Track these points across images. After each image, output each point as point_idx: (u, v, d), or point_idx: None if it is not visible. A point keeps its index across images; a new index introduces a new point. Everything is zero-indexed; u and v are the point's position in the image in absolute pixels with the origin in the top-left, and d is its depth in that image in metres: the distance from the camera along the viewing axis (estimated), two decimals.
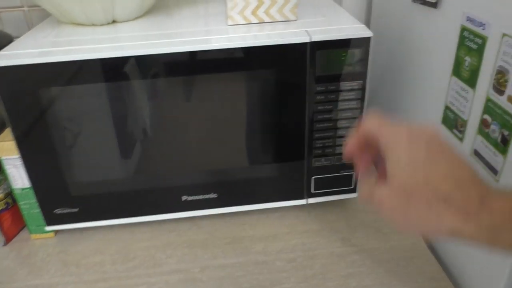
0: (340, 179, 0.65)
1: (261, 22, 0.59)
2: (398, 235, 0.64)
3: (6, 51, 0.55)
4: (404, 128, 0.33)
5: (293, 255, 0.62)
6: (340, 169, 0.64)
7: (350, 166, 0.64)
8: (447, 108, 0.58)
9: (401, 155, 0.31)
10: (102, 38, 0.57)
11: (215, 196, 0.65)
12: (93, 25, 0.63)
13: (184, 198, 0.64)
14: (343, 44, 0.55)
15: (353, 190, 0.67)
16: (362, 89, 0.58)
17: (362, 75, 0.57)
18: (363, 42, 0.55)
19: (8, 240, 0.65)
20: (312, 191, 0.66)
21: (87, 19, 0.61)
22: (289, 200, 0.66)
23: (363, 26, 0.57)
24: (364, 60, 0.56)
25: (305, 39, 0.54)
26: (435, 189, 0.30)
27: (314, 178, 0.65)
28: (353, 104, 0.59)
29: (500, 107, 0.46)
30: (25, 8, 0.83)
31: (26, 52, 0.54)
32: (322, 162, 0.63)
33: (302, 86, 0.57)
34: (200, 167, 0.63)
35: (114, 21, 0.64)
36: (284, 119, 0.60)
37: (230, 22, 0.59)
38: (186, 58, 0.54)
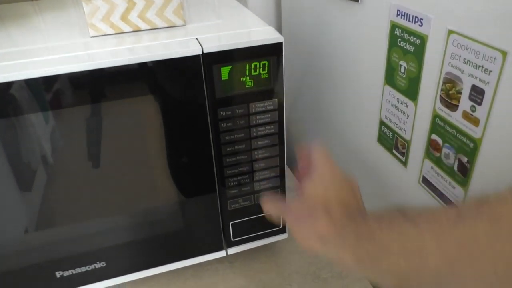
0: (265, 219, 0.52)
1: (137, 30, 0.44)
2: (341, 280, 0.53)
3: None
4: (337, 168, 0.36)
5: None
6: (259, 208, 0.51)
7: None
8: (382, 123, 0.47)
9: (323, 178, 0.35)
10: None
11: (103, 266, 0.48)
12: None
13: (58, 274, 0.47)
14: (247, 54, 0.42)
15: (283, 230, 0.54)
16: (279, 108, 0.46)
17: (276, 92, 0.45)
18: (274, 49, 0.42)
19: None
20: (232, 238, 0.52)
21: None
22: (205, 254, 0.52)
23: (271, 28, 0.44)
24: (276, 72, 0.44)
25: (195, 50, 0.40)
26: (328, 205, 0.33)
27: (232, 224, 0.51)
28: (270, 129, 0.46)
29: (453, 126, 0.36)
30: None
31: None
32: (240, 203, 0.50)
33: (201, 112, 0.43)
34: (76, 230, 0.46)
35: None
36: (184, 157, 0.46)
37: (92, 33, 0.43)
38: (33, 88, 0.38)
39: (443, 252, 0.24)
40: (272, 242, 0.57)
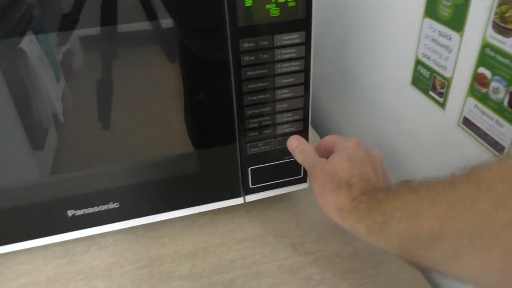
0: (285, 167, 0.49)
1: None
2: None
3: None
4: (356, 140, 0.41)
5: (231, 276, 0.46)
6: (285, 154, 0.48)
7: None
8: (419, 63, 0.43)
9: (345, 150, 0.40)
10: None
11: (116, 206, 0.47)
12: None
13: (70, 213, 0.45)
14: None
15: (303, 179, 0.51)
16: (306, 43, 0.42)
17: (305, 23, 0.41)
18: None
19: None
20: (250, 185, 0.49)
21: None
22: (222, 200, 0.50)
23: None
24: (306, 0, 0.40)
25: None
26: (351, 181, 0.36)
27: (252, 169, 0.48)
28: (295, 66, 0.43)
29: (506, 55, 0.32)
30: None
31: None
32: (260, 147, 0.47)
33: (222, 43, 0.40)
34: (89, 169, 0.44)
35: None
36: (202, 94, 0.43)
37: None
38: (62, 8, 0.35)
39: (436, 213, 0.27)
40: (291, 193, 0.55)
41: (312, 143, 0.51)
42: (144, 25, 0.38)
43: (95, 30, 0.37)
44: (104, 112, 0.41)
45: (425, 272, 0.47)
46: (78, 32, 0.37)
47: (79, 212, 0.46)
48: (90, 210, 0.46)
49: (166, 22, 0.38)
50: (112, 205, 0.46)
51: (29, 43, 0.37)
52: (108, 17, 0.37)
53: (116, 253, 0.49)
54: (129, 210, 0.47)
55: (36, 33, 0.36)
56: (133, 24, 0.38)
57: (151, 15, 0.38)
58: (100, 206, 0.46)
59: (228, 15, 0.38)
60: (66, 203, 0.45)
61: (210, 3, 0.38)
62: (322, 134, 0.71)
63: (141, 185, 0.46)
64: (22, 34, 0.36)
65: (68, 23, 0.36)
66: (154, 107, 0.43)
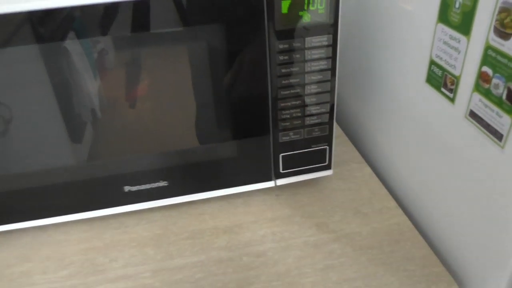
0: (312, 154, 0.56)
1: None
2: (380, 215, 0.56)
3: None
4: None
5: (263, 248, 0.52)
6: (312, 143, 0.55)
7: (323, 139, 0.55)
8: (432, 63, 0.49)
9: None
10: None
11: (165, 185, 0.54)
12: None
13: (127, 188, 0.53)
14: None
15: (328, 167, 0.58)
16: (333, 45, 0.48)
17: (332, 28, 0.47)
18: None
19: None
20: (281, 170, 0.56)
21: None
22: (255, 183, 0.56)
23: None
24: (333, 8, 0.46)
25: None
26: None
27: (283, 156, 0.55)
28: (323, 65, 0.49)
29: (504, 55, 0.37)
30: None
31: None
32: (291, 136, 0.54)
33: (261, 44, 0.47)
34: (144, 150, 0.52)
35: None
36: (242, 87, 0.50)
37: None
38: (120, 12, 0.42)
39: None
40: (317, 179, 0.61)
41: (337, 137, 0.57)
42: (177, 27, 0.45)
43: (129, 32, 0.44)
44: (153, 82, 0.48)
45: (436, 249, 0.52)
46: (112, 33, 0.44)
47: (134, 188, 0.53)
48: (143, 186, 0.53)
49: (210, 27, 0.45)
50: (161, 183, 0.54)
51: (71, 42, 0.44)
52: (140, 20, 0.44)
53: (162, 226, 0.56)
54: (176, 189, 0.55)
55: (77, 33, 0.43)
56: (167, 26, 0.45)
57: (186, 18, 0.45)
58: (152, 184, 0.53)
59: (267, 20, 0.45)
60: (123, 180, 0.53)
61: (252, 10, 0.45)
62: (345, 129, 0.77)
63: (185, 167, 0.54)
64: (65, 34, 0.43)
65: (104, 24, 0.44)
66: (195, 100, 0.50)
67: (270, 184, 0.57)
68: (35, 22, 0.41)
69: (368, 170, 0.64)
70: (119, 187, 0.53)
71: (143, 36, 0.44)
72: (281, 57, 0.48)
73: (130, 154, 0.52)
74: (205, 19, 0.45)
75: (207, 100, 0.50)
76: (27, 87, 0.44)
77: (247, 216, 0.57)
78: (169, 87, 0.48)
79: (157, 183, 0.54)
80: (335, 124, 0.55)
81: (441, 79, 0.47)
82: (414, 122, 0.55)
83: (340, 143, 0.70)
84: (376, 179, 0.62)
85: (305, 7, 0.45)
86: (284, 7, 0.45)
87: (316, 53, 0.48)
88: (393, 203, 0.58)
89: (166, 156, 0.53)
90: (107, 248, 0.53)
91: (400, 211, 0.57)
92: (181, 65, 0.47)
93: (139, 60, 0.46)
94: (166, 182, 0.54)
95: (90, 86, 0.46)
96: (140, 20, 0.43)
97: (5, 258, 0.53)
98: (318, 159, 0.56)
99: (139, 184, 0.53)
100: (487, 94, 0.40)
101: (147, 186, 0.53)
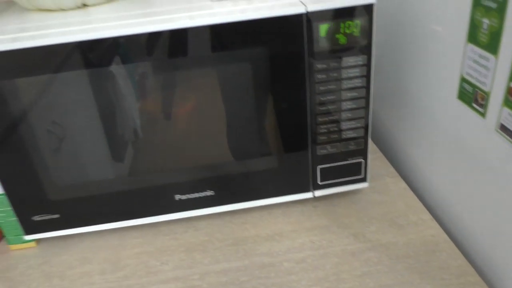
0: (348, 167, 0.59)
1: None
2: (416, 227, 0.58)
3: None
4: None
5: (302, 255, 0.55)
6: (348, 156, 0.58)
7: (359, 153, 0.58)
8: (463, 80, 0.52)
9: None
10: (73, 22, 0.51)
11: (212, 194, 0.59)
12: (61, 10, 0.57)
13: (177, 197, 0.58)
14: (343, 14, 0.49)
15: (364, 179, 0.61)
16: (367, 64, 0.52)
17: (366, 49, 0.51)
18: (366, 10, 0.49)
19: None
20: (319, 182, 0.60)
21: (53, 2, 0.55)
22: (294, 194, 0.60)
23: None
24: (367, 31, 0.50)
25: (299, 9, 0.48)
26: None
27: (321, 168, 0.59)
28: (358, 83, 0.53)
29: None
30: None
31: (9, 37, 0.48)
32: (328, 149, 0.57)
33: (300, 64, 0.51)
34: (193, 163, 0.57)
35: (84, 5, 0.58)
36: (282, 104, 0.54)
37: None
38: (167, 39, 0.48)
39: None
40: (352, 193, 0.64)
41: (371, 152, 0.60)
42: (221, 50, 0.50)
43: (167, 57, 0.49)
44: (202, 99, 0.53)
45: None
46: (153, 57, 0.49)
47: (184, 197, 0.58)
48: (192, 195, 0.58)
49: (250, 48, 0.50)
50: (208, 193, 0.58)
51: (116, 66, 0.50)
52: (178, 47, 0.49)
53: (208, 234, 0.60)
54: (221, 198, 0.59)
55: (122, 57, 0.49)
56: (210, 50, 0.50)
57: (230, 42, 0.50)
58: (200, 193, 0.58)
59: (307, 43, 0.50)
60: (174, 188, 0.58)
61: (293, 33, 0.49)
62: (379, 145, 0.80)
63: (229, 178, 0.58)
64: (111, 58, 0.49)
65: (145, 49, 0.49)
66: (237, 118, 0.54)
67: (308, 195, 0.61)
68: (84, 50, 0.48)
69: (402, 184, 0.66)
70: (170, 195, 0.58)
71: (184, 60, 0.50)
72: (319, 76, 0.52)
73: (179, 166, 0.57)
74: (248, 43, 0.50)
75: (249, 117, 0.55)
76: (77, 109, 0.51)
77: (286, 226, 0.61)
78: (212, 106, 0.53)
79: (204, 193, 0.58)
80: (370, 143, 0.58)
81: (472, 95, 0.50)
82: (446, 137, 0.57)
83: (374, 159, 0.73)
84: (411, 193, 0.64)
85: (342, 31, 0.50)
86: (322, 30, 0.50)
87: (351, 72, 0.52)
88: (428, 215, 0.60)
89: (212, 168, 0.57)
90: (158, 252, 0.58)
91: (435, 223, 0.58)
92: (224, 85, 0.52)
93: (182, 81, 0.51)
94: (212, 191, 0.58)
95: (133, 107, 0.52)
96: (183, 45, 0.49)
97: (67, 260, 0.58)
98: (354, 172, 0.60)
99: (189, 193, 0.58)
100: None
101: (196, 195, 0.58)
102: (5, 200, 0.55)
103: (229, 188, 0.59)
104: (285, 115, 0.55)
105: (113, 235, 0.62)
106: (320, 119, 0.55)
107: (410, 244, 0.56)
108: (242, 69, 0.52)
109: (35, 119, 0.50)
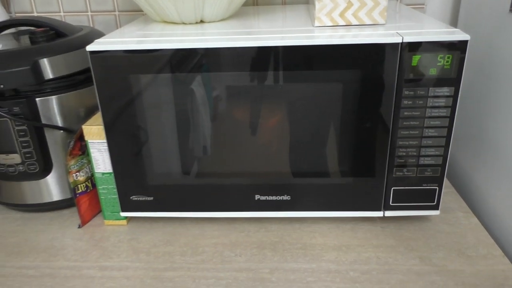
0: (422, 193, 0.61)
1: (348, 25, 0.59)
2: (485, 260, 0.59)
3: (101, 39, 0.58)
4: None
5: (368, 268, 0.58)
6: (423, 182, 0.61)
7: (434, 180, 0.60)
8: None
9: None
10: (192, 33, 0.60)
11: (288, 199, 0.63)
12: (183, 23, 0.66)
13: (257, 197, 0.63)
14: (437, 47, 0.53)
15: (436, 207, 0.63)
16: (454, 96, 0.56)
17: (454, 82, 0.55)
18: (459, 46, 0.53)
19: (83, 223, 0.68)
20: (391, 203, 0.62)
21: (179, 16, 0.64)
22: (365, 211, 0.63)
23: (458, 30, 0.55)
24: (458, 65, 0.54)
25: (396, 39, 0.53)
26: None
27: (394, 189, 0.62)
28: (442, 112, 0.56)
29: None
30: (116, 13, 0.89)
31: (120, 40, 0.57)
32: (404, 172, 0.60)
33: (389, 89, 0.56)
34: (275, 168, 0.62)
35: (202, 21, 0.67)
36: (367, 123, 0.58)
37: (317, 24, 0.59)
38: (271, 54, 0.55)
39: None
40: (422, 220, 0.66)
41: (447, 194, 0.61)
42: (314, 69, 0.56)
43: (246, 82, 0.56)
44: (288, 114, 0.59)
45: None
46: (228, 81, 0.56)
47: (263, 198, 0.63)
48: (270, 197, 0.63)
49: (348, 72, 0.55)
50: (285, 197, 0.63)
51: (197, 85, 0.57)
52: (277, 63, 0.55)
53: (279, 236, 0.65)
54: (295, 204, 0.64)
55: (202, 77, 0.56)
56: (302, 69, 0.56)
57: (326, 64, 0.55)
58: (277, 196, 0.63)
59: (398, 70, 0.54)
60: (255, 189, 0.63)
61: (387, 60, 0.54)
62: (454, 183, 0.81)
63: (305, 187, 0.63)
64: (193, 77, 0.56)
65: (224, 71, 0.55)
66: (322, 134, 0.59)
67: (378, 213, 0.63)
68: (200, 55, 0.55)
69: (474, 220, 0.67)
70: (251, 195, 0.63)
71: (282, 75, 0.56)
72: (405, 102, 0.56)
73: (262, 169, 0.62)
74: (343, 65, 0.55)
75: (334, 133, 0.59)
76: (161, 112, 0.58)
77: (353, 240, 0.64)
78: (299, 121, 0.58)
79: (282, 197, 0.63)
80: (447, 184, 0.60)
81: None
82: None
83: (447, 193, 0.74)
84: (483, 228, 0.65)
85: (433, 63, 0.54)
86: (415, 60, 0.54)
87: (437, 102, 0.56)
88: (499, 251, 0.60)
89: (292, 176, 0.62)
90: (233, 245, 0.63)
91: (506, 260, 0.59)
92: (315, 103, 0.58)
93: (277, 95, 0.57)
94: (289, 196, 0.63)
95: (225, 114, 0.58)
96: (283, 62, 0.55)
97: (152, 240, 0.65)
98: (427, 198, 0.62)
99: (268, 195, 0.63)
100: None
101: (274, 197, 0.63)
102: (111, 178, 0.64)
103: (305, 196, 0.63)
104: (367, 134, 0.59)
105: (193, 224, 0.68)
106: (400, 142, 0.58)
107: (478, 274, 0.56)
108: (333, 89, 0.57)
109: (147, 111, 0.59)
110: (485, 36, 0.69)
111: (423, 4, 0.86)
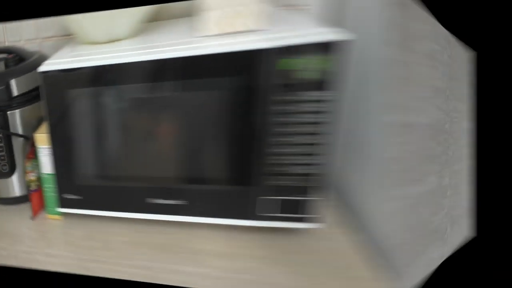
0: (291, 204, 0.61)
1: (234, 32, 0.61)
2: (357, 280, 0.55)
3: (48, 61, 0.73)
4: None
5: (238, 276, 0.60)
6: (294, 192, 0.60)
7: (306, 191, 0.59)
8: None
9: None
10: (106, 51, 0.69)
11: (184, 203, 0.68)
12: (104, 42, 0.76)
13: (148, 200, 0.70)
14: (310, 50, 0.54)
15: (306, 219, 0.62)
16: (327, 101, 0.55)
17: (330, 85, 0.54)
18: (335, 47, 0.53)
19: (34, 215, 0.81)
20: (256, 213, 0.64)
21: (107, 36, 0.74)
22: (238, 219, 0.65)
23: (336, 30, 0.54)
24: (335, 68, 0.53)
25: (267, 44, 0.55)
26: None
27: (259, 199, 0.63)
28: (316, 118, 0.56)
29: None
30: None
31: (56, 61, 0.71)
32: (272, 182, 0.61)
33: (262, 95, 0.57)
34: (167, 174, 0.69)
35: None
36: (239, 131, 0.61)
37: (205, 33, 0.63)
38: (156, 66, 0.62)
39: None
40: (302, 234, 0.65)
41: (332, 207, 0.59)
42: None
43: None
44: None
45: None
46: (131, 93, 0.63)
47: (155, 201, 0.69)
48: (164, 201, 0.69)
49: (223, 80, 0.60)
50: (179, 202, 0.68)
51: (106, 97, 0.62)
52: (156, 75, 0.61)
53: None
54: (192, 210, 0.68)
55: (109, 90, 0.62)
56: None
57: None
58: (172, 200, 0.68)
59: (268, 75, 0.56)
60: (146, 192, 0.69)
61: (252, 66, 0.56)
62: (348, 202, 0.74)
63: (192, 192, 0.67)
64: (103, 90, 0.64)
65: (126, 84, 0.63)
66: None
67: (248, 223, 0.64)
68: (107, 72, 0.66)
69: (355, 237, 0.64)
70: (143, 198, 0.70)
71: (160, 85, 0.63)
72: (274, 108, 0.57)
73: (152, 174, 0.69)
74: (217, 73, 0.58)
75: (213, 141, 0.64)
76: (85, 122, 0.68)
77: (229, 248, 0.66)
78: (187, 130, 0.64)
79: (176, 201, 0.68)
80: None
81: None
82: None
83: (333, 207, 0.72)
84: (363, 246, 0.62)
85: (301, 66, 0.54)
86: (286, 65, 0.55)
87: (309, 106, 0.56)
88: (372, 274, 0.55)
89: (182, 182, 0.67)
90: (136, 244, 0.70)
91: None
92: (191, 111, 0.62)
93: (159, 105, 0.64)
94: (185, 201, 0.68)
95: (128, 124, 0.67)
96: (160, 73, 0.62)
97: (79, 234, 0.76)
98: (297, 209, 0.61)
99: (161, 198, 0.69)
100: None
101: (168, 201, 0.69)
102: (51, 178, 0.77)
103: (196, 201, 0.67)
104: (240, 142, 0.61)
105: (110, 223, 0.76)
106: (268, 150, 0.60)
107: None
108: (211, 97, 0.61)
109: (76, 122, 0.71)
110: (367, 37, 0.65)
111: (308, 6, 0.81)
